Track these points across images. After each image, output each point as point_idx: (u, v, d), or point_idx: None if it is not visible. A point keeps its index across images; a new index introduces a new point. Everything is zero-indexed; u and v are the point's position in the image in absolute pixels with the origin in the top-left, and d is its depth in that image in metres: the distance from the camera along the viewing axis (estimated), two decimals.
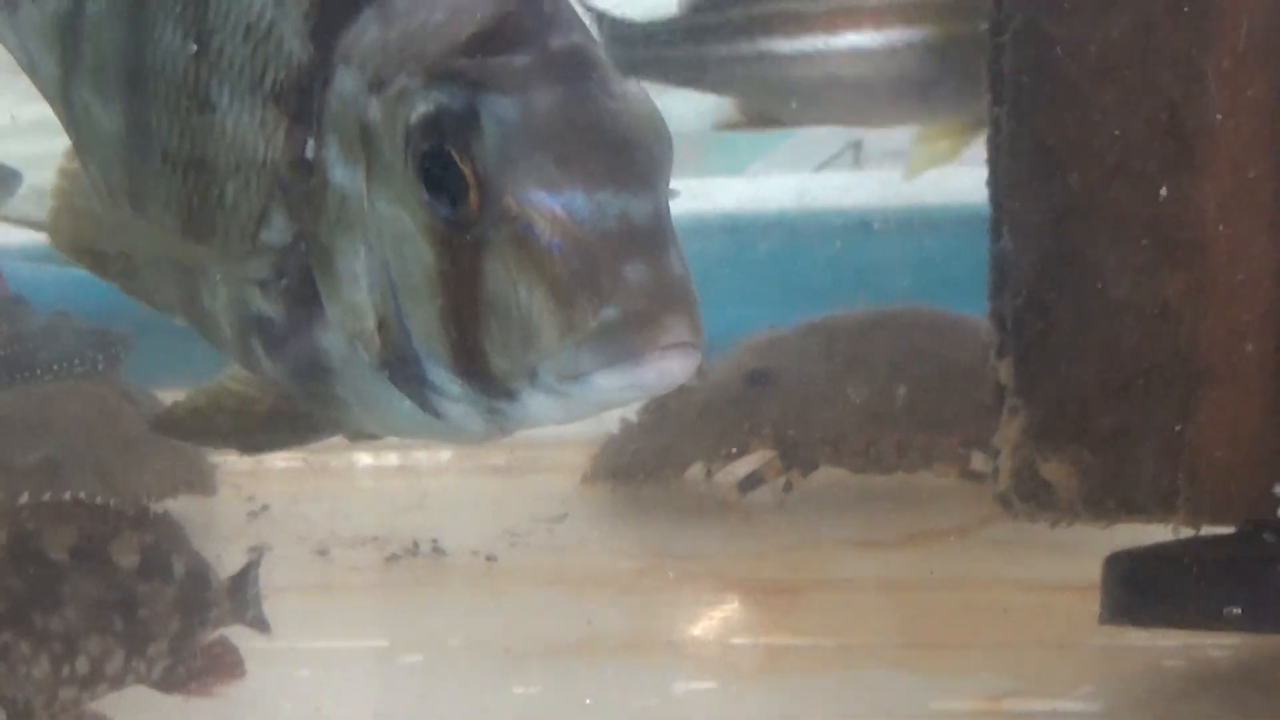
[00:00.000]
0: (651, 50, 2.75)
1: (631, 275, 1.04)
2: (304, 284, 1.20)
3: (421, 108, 1.08)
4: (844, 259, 3.20)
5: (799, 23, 2.66)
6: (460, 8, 1.11)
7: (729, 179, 3.75)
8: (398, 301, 1.12)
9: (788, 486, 2.66)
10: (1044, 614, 2.29)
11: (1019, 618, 2.30)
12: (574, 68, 1.08)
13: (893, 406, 2.63)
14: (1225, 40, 1.78)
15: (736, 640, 2.41)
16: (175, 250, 1.30)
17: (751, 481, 2.67)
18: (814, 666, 2.23)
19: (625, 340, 1.03)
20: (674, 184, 1.11)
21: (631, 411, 2.75)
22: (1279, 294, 1.81)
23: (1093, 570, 2.00)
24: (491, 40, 1.09)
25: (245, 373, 1.33)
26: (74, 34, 1.36)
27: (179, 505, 2.54)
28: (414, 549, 2.59)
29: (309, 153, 1.18)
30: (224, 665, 2.00)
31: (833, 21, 2.64)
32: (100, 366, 2.73)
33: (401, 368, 1.15)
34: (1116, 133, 1.82)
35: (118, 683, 1.91)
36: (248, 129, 1.21)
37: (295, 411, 1.31)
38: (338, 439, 1.37)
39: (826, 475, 2.68)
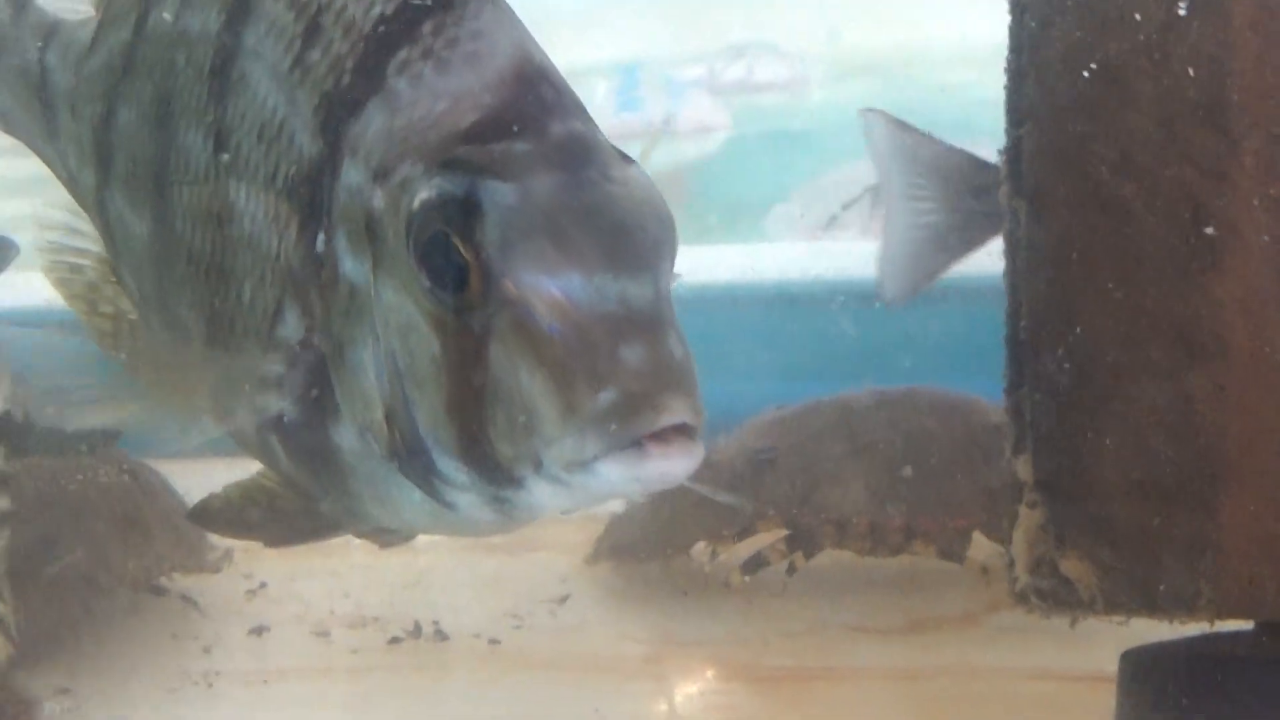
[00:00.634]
0: None
1: (629, 357, 1.04)
2: (318, 379, 1.22)
3: (423, 194, 1.09)
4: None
5: None
6: (463, 96, 1.12)
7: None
8: (404, 390, 1.13)
9: (791, 570, 2.64)
10: (1054, 705, 2.27)
11: (1028, 708, 2.28)
12: (574, 153, 1.10)
13: (898, 489, 2.62)
14: (1248, 138, 1.78)
15: None
16: (198, 357, 1.30)
17: (755, 563, 2.65)
18: None
19: (624, 421, 1.03)
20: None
21: None
22: None
23: (1102, 659, 1.98)
24: (493, 127, 1.11)
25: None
26: (107, 144, 1.36)
27: (178, 583, 2.51)
28: (416, 631, 2.56)
29: (320, 246, 1.18)
30: None
31: None
32: None
33: (410, 457, 1.15)
34: (1138, 229, 1.81)
35: None
36: (263, 225, 1.22)
37: (317, 508, 1.32)
38: None
39: (830, 557, 2.66)
